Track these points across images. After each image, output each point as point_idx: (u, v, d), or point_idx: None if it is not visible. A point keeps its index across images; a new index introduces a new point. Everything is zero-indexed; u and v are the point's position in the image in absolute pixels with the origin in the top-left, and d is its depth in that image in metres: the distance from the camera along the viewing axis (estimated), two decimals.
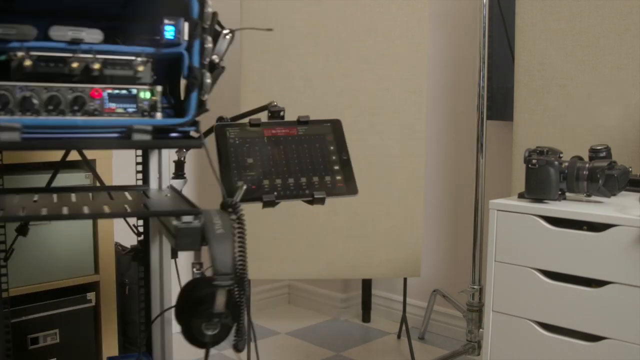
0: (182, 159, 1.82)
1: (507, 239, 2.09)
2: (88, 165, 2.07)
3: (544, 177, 2.04)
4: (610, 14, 2.47)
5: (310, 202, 1.62)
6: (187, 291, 1.41)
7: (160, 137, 1.39)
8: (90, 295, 2.56)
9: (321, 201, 1.62)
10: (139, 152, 1.79)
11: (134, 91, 1.39)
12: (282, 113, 1.70)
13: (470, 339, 3.08)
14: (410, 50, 2.98)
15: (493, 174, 3.19)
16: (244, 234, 1.41)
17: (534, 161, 2.06)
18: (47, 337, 2.45)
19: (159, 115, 1.40)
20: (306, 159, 1.66)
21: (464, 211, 3.46)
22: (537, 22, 2.64)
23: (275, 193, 1.59)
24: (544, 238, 2.01)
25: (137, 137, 1.36)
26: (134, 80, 1.40)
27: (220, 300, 1.35)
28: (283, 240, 3.06)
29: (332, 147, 1.69)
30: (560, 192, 2.05)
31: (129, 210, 1.45)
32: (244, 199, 1.54)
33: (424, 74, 3.00)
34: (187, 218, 1.37)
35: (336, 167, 1.67)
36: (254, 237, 3.03)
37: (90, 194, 1.59)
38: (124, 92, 1.38)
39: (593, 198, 2.09)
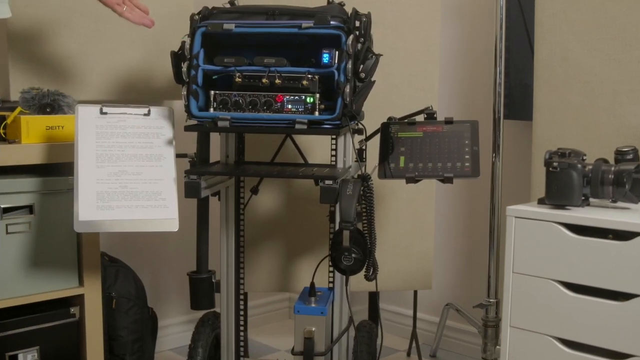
0: (363, 147, 2.55)
1: (526, 248, 2.09)
2: (294, 143, 2.97)
3: (566, 181, 2.04)
4: (637, 4, 2.46)
5: (442, 181, 2.32)
6: (334, 236, 2.20)
7: (315, 127, 2.22)
8: (74, 310, 2.55)
9: (450, 180, 2.30)
10: (334, 140, 2.60)
11: (303, 97, 2.24)
12: (435, 115, 2.40)
13: (486, 357, 3.07)
14: (420, 44, 2.98)
15: (510, 178, 3.18)
16: (372, 197, 2.33)
17: (555, 164, 2.06)
18: (27, 354, 2.45)
19: (316, 113, 2.23)
20: (444, 150, 2.34)
21: (479, 218, 3.46)
22: (558, 13, 2.63)
23: (416, 173, 2.33)
24: (565, 247, 2.01)
25: (297, 126, 2.20)
26: (305, 89, 2.24)
27: (345, 238, 2.12)
28: (282, 250, 3.06)
29: (467, 141, 2.34)
30: (583, 198, 2.05)
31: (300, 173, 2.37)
32: (395, 175, 2.34)
33: (435, 70, 3.00)
34: (329, 182, 2.16)
35: (467, 156, 2.32)
36: (252, 247, 3.03)
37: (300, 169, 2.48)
38: (296, 97, 2.24)
39: (619, 204, 2.09)
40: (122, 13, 2.46)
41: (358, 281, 2.40)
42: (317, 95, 2.24)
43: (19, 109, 2.44)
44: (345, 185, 2.19)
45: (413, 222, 3.05)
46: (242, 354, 2.72)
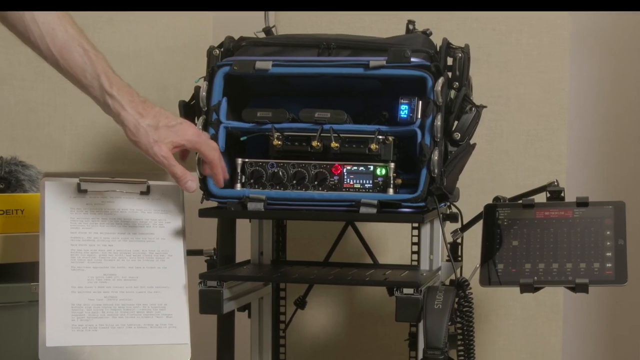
0: (458, 240, 2.54)
1: None
2: (358, 236, 2.83)
3: None
4: None
5: (573, 289, 2.24)
6: None
7: (389, 212, 2.20)
8: None
9: (584, 288, 2.21)
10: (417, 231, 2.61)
11: (371, 167, 2.22)
12: (562, 194, 2.38)
13: None
14: (542, 92, 2.99)
15: None
16: (471, 313, 2.30)
17: None
18: None
19: (390, 190, 2.20)
20: (577, 244, 2.29)
21: (627, 343, 3.42)
22: None
23: (535, 277, 2.26)
24: None
25: (363, 210, 2.16)
26: (374, 156, 2.21)
27: None
28: None
29: (608, 232, 2.29)
30: None
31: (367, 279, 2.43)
32: (505, 282, 2.28)
33: (562, 128, 3.00)
34: (409, 290, 2.12)
35: (608, 254, 2.26)
36: None
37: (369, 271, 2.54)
38: (362, 168, 2.22)
39: None
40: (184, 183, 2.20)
41: None
42: (392, 165, 2.21)
43: None
44: (432, 295, 2.14)
45: (531, 348, 3.06)
46: None
